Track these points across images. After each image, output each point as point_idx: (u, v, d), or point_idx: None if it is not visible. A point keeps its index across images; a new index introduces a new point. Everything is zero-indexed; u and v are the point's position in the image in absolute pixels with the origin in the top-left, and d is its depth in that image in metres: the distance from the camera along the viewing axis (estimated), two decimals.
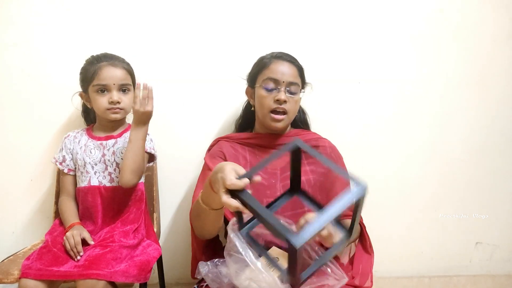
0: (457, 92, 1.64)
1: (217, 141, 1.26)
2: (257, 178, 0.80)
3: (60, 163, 1.28)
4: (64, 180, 1.30)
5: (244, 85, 1.27)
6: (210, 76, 1.50)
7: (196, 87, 1.51)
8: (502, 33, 1.61)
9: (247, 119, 1.34)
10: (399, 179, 1.68)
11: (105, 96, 1.20)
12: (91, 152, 1.25)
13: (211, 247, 1.18)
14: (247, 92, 1.26)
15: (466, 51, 1.61)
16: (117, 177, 1.26)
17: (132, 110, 1.19)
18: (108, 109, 1.21)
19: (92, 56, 1.24)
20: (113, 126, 1.30)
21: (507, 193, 1.75)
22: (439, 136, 1.67)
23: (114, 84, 1.20)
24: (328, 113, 1.55)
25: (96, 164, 1.25)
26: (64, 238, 1.11)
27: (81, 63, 1.25)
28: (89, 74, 1.20)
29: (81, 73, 1.24)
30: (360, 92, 1.59)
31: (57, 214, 1.33)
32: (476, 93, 1.65)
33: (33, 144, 1.46)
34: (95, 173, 1.25)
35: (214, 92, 1.51)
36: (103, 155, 1.25)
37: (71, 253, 1.07)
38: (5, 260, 1.14)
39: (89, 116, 1.37)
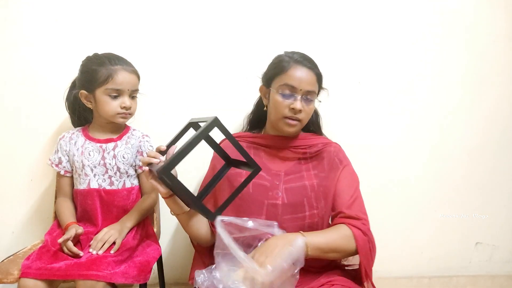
0: (457, 93, 1.64)
1: (223, 141, 1.25)
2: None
3: (56, 165, 1.26)
4: (61, 181, 1.29)
5: (256, 82, 1.24)
6: (219, 73, 1.50)
7: (202, 85, 1.51)
8: (502, 34, 1.62)
9: (258, 117, 1.32)
10: (399, 179, 1.68)
11: (117, 101, 1.18)
12: (89, 155, 1.23)
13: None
14: (261, 90, 1.23)
15: (466, 52, 1.62)
16: (118, 181, 1.25)
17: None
18: (118, 113, 1.20)
19: (98, 55, 1.21)
20: (112, 128, 1.27)
21: (507, 193, 1.76)
22: (439, 136, 1.67)
23: (128, 90, 1.19)
24: (328, 114, 1.54)
25: (95, 167, 1.23)
26: (61, 244, 1.10)
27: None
28: (101, 76, 1.15)
29: (87, 72, 1.18)
30: (360, 92, 1.59)
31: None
32: (476, 94, 1.65)
33: (33, 144, 1.46)
34: (94, 175, 1.23)
35: (221, 89, 1.51)
36: (103, 158, 1.23)
37: (69, 253, 1.08)
38: (5, 260, 1.14)
39: (84, 115, 1.31)
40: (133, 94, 1.22)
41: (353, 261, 1.13)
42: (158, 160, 0.93)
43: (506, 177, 1.74)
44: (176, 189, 0.97)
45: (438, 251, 1.77)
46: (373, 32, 1.56)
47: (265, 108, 1.21)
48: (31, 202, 1.50)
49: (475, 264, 1.82)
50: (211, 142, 1.03)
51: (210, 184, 1.08)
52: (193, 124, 1.02)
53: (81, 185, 1.24)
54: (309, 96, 1.11)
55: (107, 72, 1.16)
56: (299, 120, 1.11)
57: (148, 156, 0.95)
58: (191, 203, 0.89)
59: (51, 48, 1.42)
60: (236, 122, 1.47)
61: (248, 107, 1.38)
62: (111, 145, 1.25)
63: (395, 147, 1.65)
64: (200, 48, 1.49)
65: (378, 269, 1.74)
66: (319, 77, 1.14)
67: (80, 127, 1.31)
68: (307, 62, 1.13)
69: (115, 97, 1.18)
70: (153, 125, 1.46)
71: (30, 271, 1.01)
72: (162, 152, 0.98)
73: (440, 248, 1.77)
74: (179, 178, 0.92)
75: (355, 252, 1.03)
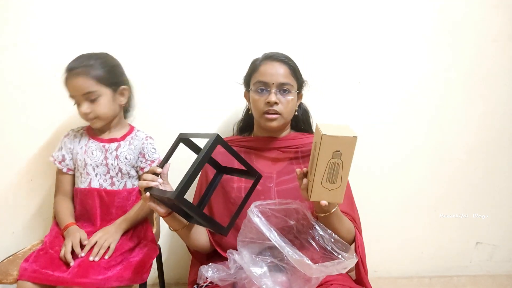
0: (457, 92, 1.64)
1: None
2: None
3: (59, 162, 1.25)
4: (61, 179, 1.28)
5: (242, 88, 1.26)
6: (211, 78, 1.50)
7: (196, 89, 1.51)
8: (502, 34, 1.61)
9: (247, 123, 1.33)
10: (399, 179, 1.68)
11: (79, 108, 1.16)
12: (92, 154, 1.23)
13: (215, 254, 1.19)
14: (245, 96, 1.24)
15: (466, 52, 1.61)
16: (119, 181, 1.25)
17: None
18: (86, 120, 1.18)
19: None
20: (115, 127, 1.27)
21: (507, 193, 1.75)
22: (439, 136, 1.66)
23: (80, 95, 1.14)
24: (328, 114, 1.55)
25: (97, 166, 1.23)
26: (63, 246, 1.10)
27: None
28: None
29: None
30: (360, 92, 1.58)
31: None
32: (476, 94, 1.65)
33: (33, 144, 1.46)
34: (96, 175, 1.23)
35: (214, 94, 1.51)
36: (106, 158, 1.23)
37: (64, 259, 1.06)
38: (4, 260, 1.14)
39: None
40: (90, 98, 1.15)
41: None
42: (157, 183, 0.92)
43: (506, 177, 1.73)
44: (177, 209, 0.97)
45: (438, 251, 1.77)
46: (373, 32, 1.56)
47: (250, 112, 1.22)
48: (32, 202, 1.50)
49: (476, 264, 1.81)
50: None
51: (206, 193, 1.08)
52: (183, 140, 1.01)
53: (82, 184, 1.24)
54: (284, 87, 1.10)
55: (64, 81, 1.17)
56: (278, 114, 1.10)
57: (145, 180, 0.93)
58: (204, 222, 0.88)
59: (51, 48, 1.42)
60: (232, 121, 1.47)
61: (241, 107, 1.39)
62: (114, 145, 1.25)
63: (395, 147, 1.64)
64: (201, 51, 1.49)
65: (378, 269, 1.74)
66: (293, 69, 1.13)
67: (84, 126, 1.31)
68: (278, 55, 1.14)
69: (78, 105, 1.17)
70: (152, 125, 1.46)
71: (26, 274, 1.01)
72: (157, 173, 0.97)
73: (440, 248, 1.77)
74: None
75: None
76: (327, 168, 0.81)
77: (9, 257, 1.16)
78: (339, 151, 0.79)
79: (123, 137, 1.27)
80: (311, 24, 1.52)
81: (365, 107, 1.60)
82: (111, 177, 1.24)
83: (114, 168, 1.23)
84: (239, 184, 1.13)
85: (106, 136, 1.26)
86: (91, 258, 1.06)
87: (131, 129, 1.31)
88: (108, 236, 1.12)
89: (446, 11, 1.57)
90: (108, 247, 1.10)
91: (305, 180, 0.92)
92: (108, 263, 1.06)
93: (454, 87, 1.63)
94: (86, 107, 1.15)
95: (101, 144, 1.24)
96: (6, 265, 1.10)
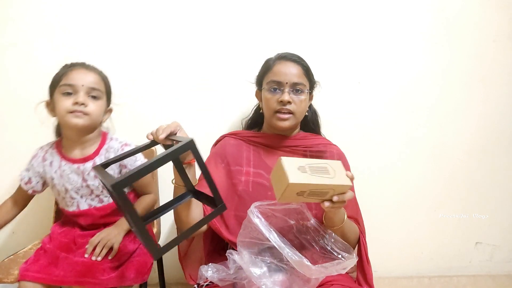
0: (457, 93, 1.64)
1: (223, 137, 1.24)
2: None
3: (25, 183, 1.19)
4: (20, 192, 1.21)
5: (253, 86, 1.26)
6: (220, 77, 1.51)
7: (203, 87, 1.51)
8: (502, 34, 1.61)
9: (255, 120, 1.33)
10: (399, 179, 1.68)
11: (71, 98, 1.07)
12: (69, 178, 1.15)
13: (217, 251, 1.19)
14: (256, 95, 1.25)
15: (466, 52, 1.61)
16: (107, 197, 1.19)
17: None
18: (71, 112, 1.07)
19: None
20: (83, 141, 1.16)
21: (507, 193, 1.75)
22: (439, 136, 1.67)
23: (82, 86, 1.07)
24: (328, 113, 1.54)
25: (79, 189, 1.16)
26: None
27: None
28: (58, 76, 1.10)
29: (51, 80, 1.13)
30: (360, 92, 1.59)
31: (57, 214, 1.33)
32: (475, 94, 1.65)
33: (33, 144, 1.45)
34: (81, 197, 1.17)
35: (221, 92, 1.52)
36: (84, 180, 1.15)
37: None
38: (5, 260, 1.15)
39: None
40: (91, 93, 1.10)
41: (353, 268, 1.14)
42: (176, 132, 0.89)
43: (506, 177, 1.74)
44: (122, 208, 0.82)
45: (438, 251, 1.77)
46: (373, 32, 1.56)
47: (261, 111, 1.22)
48: (32, 202, 1.49)
49: (475, 264, 1.81)
50: (178, 165, 0.93)
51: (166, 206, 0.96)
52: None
53: (69, 208, 1.18)
54: (297, 87, 1.11)
55: (62, 71, 1.11)
56: (291, 113, 1.11)
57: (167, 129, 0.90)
58: (134, 228, 0.76)
59: (52, 48, 1.42)
60: (239, 119, 1.48)
61: (249, 105, 1.39)
62: (89, 165, 1.15)
63: (395, 147, 1.65)
64: (211, 50, 1.49)
65: (378, 269, 1.74)
66: (306, 70, 1.15)
67: (53, 142, 1.22)
68: (292, 56, 1.15)
69: (69, 95, 1.08)
70: (153, 123, 1.46)
71: (28, 274, 1.01)
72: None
73: (440, 248, 1.77)
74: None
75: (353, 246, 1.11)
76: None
77: (10, 256, 1.17)
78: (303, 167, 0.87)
79: (97, 152, 1.17)
80: (311, 25, 1.52)
81: (364, 107, 1.60)
82: (97, 196, 1.18)
83: (97, 188, 1.17)
84: (247, 178, 1.13)
85: (78, 154, 1.16)
86: (93, 258, 1.05)
87: (104, 139, 1.20)
88: (111, 237, 1.10)
89: (446, 11, 1.57)
90: (111, 248, 1.09)
91: (326, 203, 0.89)
92: (111, 263, 1.06)
93: (454, 87, 1.63)
94: (84, 98, 1.08)
95: (75, 165, 1.15)
96: (7, 264, 1.11)
